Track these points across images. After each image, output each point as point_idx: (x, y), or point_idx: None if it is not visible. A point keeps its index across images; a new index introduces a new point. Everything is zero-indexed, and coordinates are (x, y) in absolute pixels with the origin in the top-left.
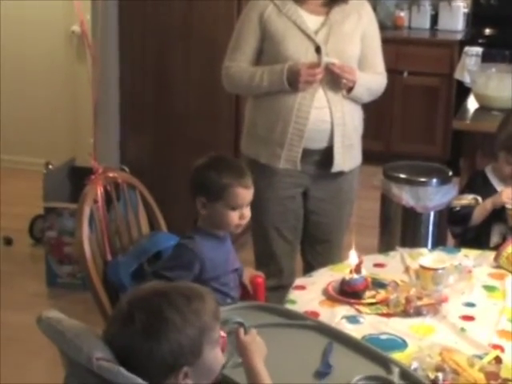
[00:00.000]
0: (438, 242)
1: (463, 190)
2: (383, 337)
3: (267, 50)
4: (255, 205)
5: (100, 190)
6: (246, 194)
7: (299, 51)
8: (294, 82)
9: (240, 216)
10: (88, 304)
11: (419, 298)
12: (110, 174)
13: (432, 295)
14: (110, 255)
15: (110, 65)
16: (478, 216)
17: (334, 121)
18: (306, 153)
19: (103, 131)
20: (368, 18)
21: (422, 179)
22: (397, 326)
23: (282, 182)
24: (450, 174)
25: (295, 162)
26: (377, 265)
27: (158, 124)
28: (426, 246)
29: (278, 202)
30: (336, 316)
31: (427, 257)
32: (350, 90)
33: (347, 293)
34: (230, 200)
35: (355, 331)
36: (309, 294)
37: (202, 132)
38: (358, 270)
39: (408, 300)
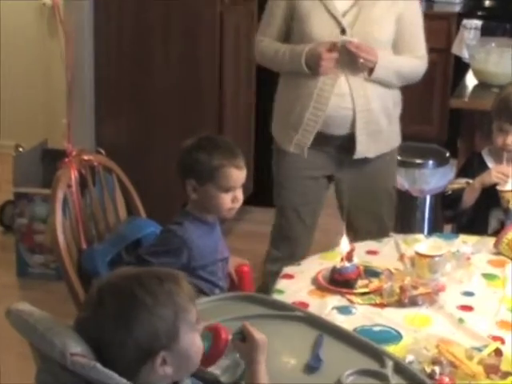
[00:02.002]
0: (435, 228)
1: (458, 174)
2: (376, 328)
3: (295, 30)
4: (276, 184)
5: (74, 174)
6: (238, 174)
7: (323, 32)
8: (314, 65)
9: (233, 199)
10: (61, 295)
11: (414, 287)
12: (85, 157)
13: (428, 284)
14: (86, 243)
15: (84, 41)
16: (468, 197)
17: (355, 107)
18: (328, 138)
19: (78, 111)
20: (405, 0)
21: (418, 161)
22: (391, 317)
23: (303, 162)
24: (448, 155)
25: (303, 148)
26: (369, 252)
27: (136, 104)
28: (421, 231)
29: (297, 182)
30: (326, 307)
31: (423, 243)
32: (371, 71)
33: (338, 282)
34: (222, 182)
35: (347, 323)
36: (297, 283)
37: (183, 113)
38: (349, 257)
39: (403, 289)
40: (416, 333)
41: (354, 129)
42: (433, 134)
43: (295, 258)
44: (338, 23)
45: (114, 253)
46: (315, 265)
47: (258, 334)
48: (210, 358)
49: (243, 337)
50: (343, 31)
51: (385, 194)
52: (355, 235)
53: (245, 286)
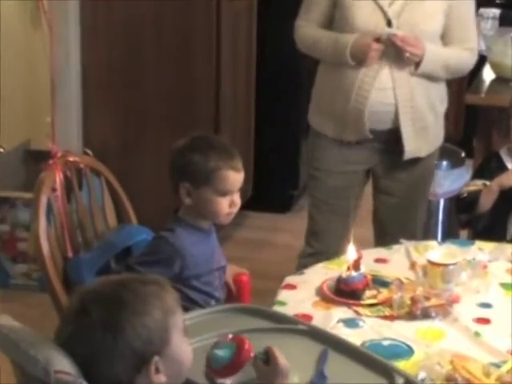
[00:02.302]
0: (449, 234)
1: (474, 175)
2: (386, 343)
3: (337, 18)
4: (311, 177)
5: (59, 177)
6: (236, 177)
7: (368, 23)
8: (361, 55)
9: (230, 203)
10: (45, 308)
11: (427, 298)
12: (71, 159)
13: (442, 295)
14: (71, 252)
15: (69, 33)
16: (485, 201)
17: (398, 103)
18: (372, 132)
19: (63, 109)
20: None
21: None
22: (401, 331)
23: (344, 155)
24: (463, 155)
25: (347, 141)
26: (378, 260)
27: (126, 102)
28: (434, 237)
29: (335, 175)
30: (332, 319)
31: (436, 250)
32: (417, 65)
33: (344, 292)
34: (218, 185)
35: (354, 336)
36: (300, 293)
37: (177, 110)
38: (356, 265)
39: (414, 300)
40: (428, 347)
41: (398, 125)
42: (447, 132)
43: (329, 255)
44: (384, 13)
45: (102, 262)
46: (320, 274)
47: (283, 360)
48: (230, 367)
49: (267, 359)
50: (389, 23)
51: (423, 198)
52: (383, 238)
53: (243, 296)
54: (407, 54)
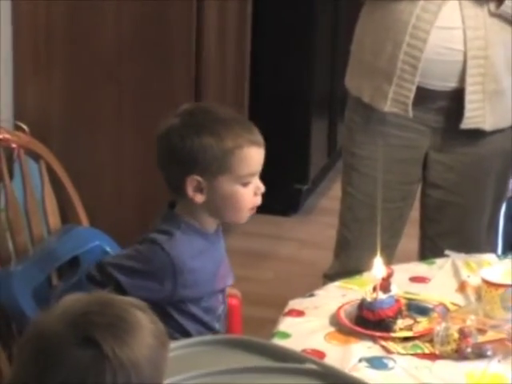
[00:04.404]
0: None
1: None
2: None
3: None
4: (347, 166)
5: None
6: (260, 154)
7: None
8: None
9: (255, 190)
10: None
11: (481, 331)
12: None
13: (501, 326)
14: None
15: None
16: None
17: (467, 51)
18: (426, 95)
19: None
20: None
21: None
22: (446, 374)
23: (390, 134)
24: None
25: (406, 104)
26: (415, 279)
27: (74, 62)
28: (493, 250)
29: (384, 162)
30: (351, 357)
31: (495, 267)
32: (500, 1)
33: (369, 321)
34: (241, 169)
35: (382, 380)
36: (309, 322)
37: (143, 72)
38: (385, 286)
39: (464, 334)
40: None
41: (463, 83)
42: None
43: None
44: None
45: (41, 277)
46: (335, 296)
47: None
48: None
49: None
50: None
51: (491, 185)
52: (430, 245)
53: (232, 325)
54: None
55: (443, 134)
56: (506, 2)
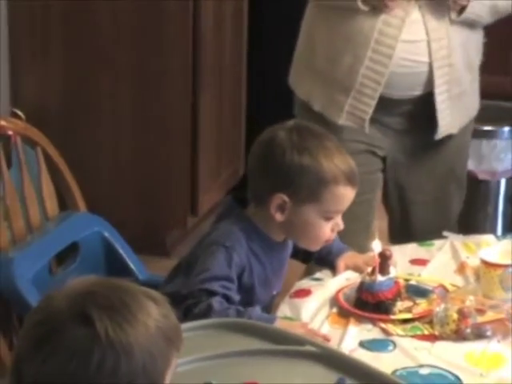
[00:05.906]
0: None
1: None
2: (424, 371)
3: None
4: None
5: None
6: (352, 194)
7: None
8: None
9: (333, 227)
10: None
11: (480, 312)
12: None
13: (500, 306)
14: None
15: None
16: None
17: (433, 62)
18: (390, 103)
19: None
20: None
21: (487, 128)
22: (446, 355)
23: (346, 138)
24: None
25: (363, 119)
26: (414, 261)
27: (71, 48)
28: (492, 231)
29: None
30: (351, 339)
31: (493, 248)
32: (461, 9)
33: (368, 304)
34: (329, 204)
35: (381, 362)
36: (310, 305)
37: (140, 60)
38: (384, 268)
39: (463, 314)
40: (483, 377)
41: (430, 86)
42: (510, 88)
43: None
44: None
45: (39, 264)
46: (335, 279)
47: None
48: None
49: None
50: None
51: (455, 179)
52: (409, 234)
53: None
54: None
55: (406, 135)
56: (469, 9)
